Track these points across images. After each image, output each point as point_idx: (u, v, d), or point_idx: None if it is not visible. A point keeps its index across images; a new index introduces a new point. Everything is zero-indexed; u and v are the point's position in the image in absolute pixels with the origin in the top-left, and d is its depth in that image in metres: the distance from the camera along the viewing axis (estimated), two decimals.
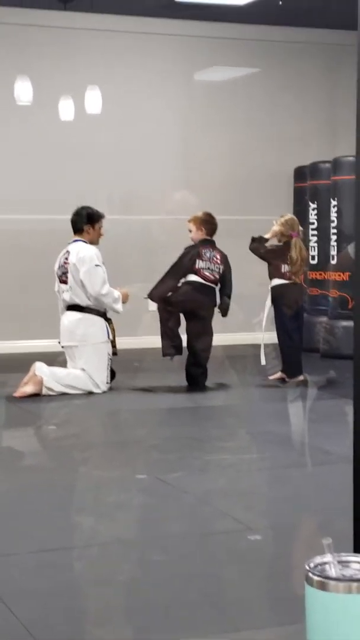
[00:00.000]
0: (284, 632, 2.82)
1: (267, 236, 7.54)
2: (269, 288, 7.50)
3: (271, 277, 7.51)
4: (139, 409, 6.59)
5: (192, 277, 7.29)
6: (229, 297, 7.41)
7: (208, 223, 7.43)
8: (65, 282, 7.18)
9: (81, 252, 7.12)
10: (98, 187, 9.48)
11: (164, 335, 7.27)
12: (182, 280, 7.32)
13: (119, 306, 7.14)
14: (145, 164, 9.82)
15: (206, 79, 10.29)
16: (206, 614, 3.03)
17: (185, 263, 7.30)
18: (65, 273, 7.18)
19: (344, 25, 8.26)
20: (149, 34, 9.84)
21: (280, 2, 8.96)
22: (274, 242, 7.62)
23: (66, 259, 7.19)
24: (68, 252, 7.22)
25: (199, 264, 7.28)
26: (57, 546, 3.68)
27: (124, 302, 7.19)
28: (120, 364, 7.44)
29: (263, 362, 7.43)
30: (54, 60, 9.56)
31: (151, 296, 7.29)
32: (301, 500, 4.39)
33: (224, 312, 7.41)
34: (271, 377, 7.52)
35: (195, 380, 7.28)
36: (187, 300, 7.28)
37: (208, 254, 7.33)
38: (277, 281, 7.48)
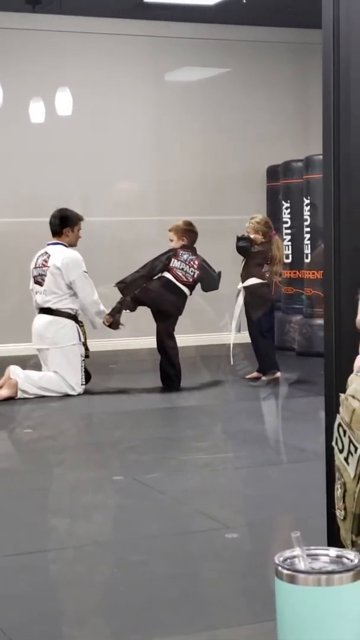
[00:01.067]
0: (262, 629, 2.81)
1: (252, 236, 7.54)
2: (241, 288, 7.50)
3: (248, 276, 7.50)
4: (114, 411, 6.59)
5: (165, 275, 7.31)
6: (215, 284, 7.45)
7: (190, 232, 7.43)
8: (39, 283, 7.15)
9: (67, 257, 7.07)
10: (70, 189, 9.45)
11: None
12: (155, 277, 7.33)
13: (99, 320, 7.14)
14: (117, 166, 9.81)
15: (177, 80, 10.30)
16: (184, 612, 3.03)
17: (161, 259, 7.31)
18: (41, 275, 7.14)
19: (313, 24, 8.29)
20: (119, 35, 9.83)
21: (245, 1, 8.95)
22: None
23: (45, 261, 7.15)
24: (47, 254, 7.16)
25: (174, 262, 7.29)
26: (33, 549, 3.67)
27: (106, 323, 7.16)
28: (95, 366, 7.43)
29: (232, 362, 7.45)
30: (23, 63, 9.53)
31: (123, 289, 7.25)
32: (277, 497, 4.41)
33: (216, 284, 7.43)
34: (247, 377, 7.53)
35: (171, 379, 7.28)
36: (156, 297, 7.27)
37: (185, 256, 7.34)
38: (253, 280, 7.48)
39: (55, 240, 7.22)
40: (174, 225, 7.49)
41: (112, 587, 3.27)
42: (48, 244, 7.24)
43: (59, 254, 7.10)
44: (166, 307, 7.33)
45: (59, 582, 3.38)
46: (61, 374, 6.98)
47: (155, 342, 7.37)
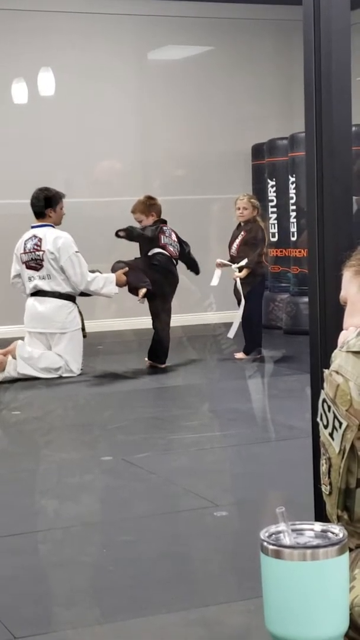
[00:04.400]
0: (252, 606, 2.84)
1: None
2: (237, 267, 7.44)
3: (244, 256, 7.46)
4: (102, 392, 6.59)
5: (162, 251, 7.22)
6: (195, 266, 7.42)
7: (156, 206, 7.33)
8: (34, 268, 7.06)
9: (59, 240, 6.98)
10: (53, 170, 9.41)
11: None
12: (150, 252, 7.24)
13: (109, 289, 7.04)
14: (100, 146, 9.76)
15: (160, 58, 10.24)
16: (174, 591, 3.05)
17: (150, 234, 7.18)
18: (35, 259, 7.05)
19: (297, 1, 8.25)
20: (101, 14, 9.76)
21: None
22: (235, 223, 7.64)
23: (37, 245, 7.04)
24: (38, 237, 7.05)
25: (163, 239, 7.25)
26: (22, 530, 3.67)
27: (120, 285, 7.07)
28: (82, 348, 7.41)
29: (231, 335, 7.39)
30: (4, 44, 9.46)
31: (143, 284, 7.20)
32: (265, 475, 4.42)
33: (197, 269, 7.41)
34: (239, 357, 7.50)
35: (158, 356, 7.24)
36: (165, 274, 7.21)
37: (167, 232, 7.31)
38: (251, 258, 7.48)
39: (40, 222, 7.14)
40: (138, 203, 7.33)
41: (101, 567, 3.27)
42: (33, 227, 7.15)
43: (51, 238, 7.00)
44: (171, 282, 7.28)
45: (48, 563, 3.38)
46: (65, 357, 6.96)
47: (151, 319, 7.31)
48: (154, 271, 7.17)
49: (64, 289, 7.02)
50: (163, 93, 10.12)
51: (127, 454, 4.76)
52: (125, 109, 9.95)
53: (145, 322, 7.49)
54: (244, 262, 7.42)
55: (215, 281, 7.36)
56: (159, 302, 7.28)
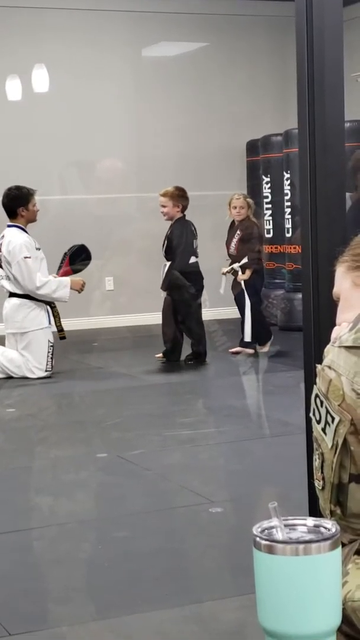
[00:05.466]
0: (246, 601, 2.84)
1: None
2: (239, 267, 7.49)
3: (243, 255, 7.51)
4: (97, 389, 6.59)
5: (194, 259, 7.22)
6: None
7: (184, 199, 7.27)
8: (2, 267, 7.05)
9: (10, 244, 6.86)
10: (48, 167, 9.40)
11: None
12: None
13: (61, 293, 6.88)
14: (95, 143, 9.75)
15: (154, 55, 10.23)
16: (169, 587, 3.05)
17: (191, 241, 7.19)
18: (2, 260, 7.02)
19: None
20: (96, 11, 9.75)
21: None
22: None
23: (1, 244, 6.99)
24: (4, 236, 6.98)
25: (195, 243, 7.24)
26: (17, 527, 3.68)
27: (76, 289, 6.94)
28: (76, 345, 7.41)
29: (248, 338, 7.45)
30: None
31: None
32: (261, 471, 4.43)
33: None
34: (264, 349, 7.56)
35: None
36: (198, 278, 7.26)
37: (195, 230, 7.30)
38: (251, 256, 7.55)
39: (10, 223, 7.01)
40: (167, 190, 7.26)
41: (96, 564, 3.28)
42: (7, 226, 7.06)
43: (6, 241, 6.90)
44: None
45: (43, 560, 3.38)
46: (26, 356, 6.90)
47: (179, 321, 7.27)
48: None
49: (22, 289, 6.95)
50: (157, 89, 10.11)
51: (122, 450, 4.76)
52: (119, 105, 9.93)
53: (139, 319, 7.48)
54: (244, 261, 7.49)
55: (223, 289, 7.47)
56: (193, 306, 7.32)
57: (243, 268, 7.50)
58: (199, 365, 7.15)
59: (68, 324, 7.28)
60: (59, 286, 6.88)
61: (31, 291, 6.87)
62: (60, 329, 7.00)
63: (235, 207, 7.58)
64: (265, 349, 7.56)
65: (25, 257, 6.83)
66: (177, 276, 7.11)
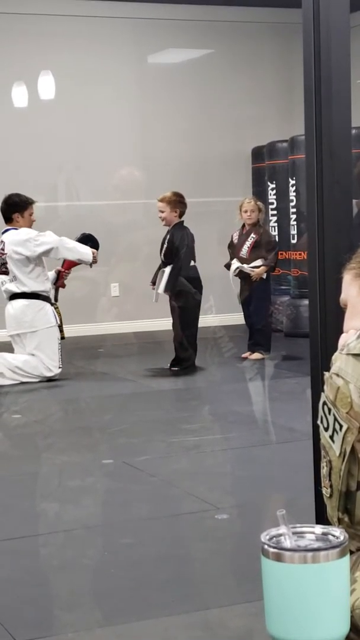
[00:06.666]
0: (253, 608, 2.84)
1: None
2: (250, 268, 7.53)
3: (256, 259, 7.54)
4: (103, 395, 6.59)
5: (193, 263, 7.22)
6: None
7: (183, 205, 7.28)
8: (4, 272, 7.07)
9: (15, 237, 6.95)
10: (54, 174, 9.42)
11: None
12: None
13: (84, 250, 6.95)
14: (101, 149, 9.77)
15: (160, 62, 10.25)
16: (175, 594, 3.05)
17: (192, 245, 7.19)
18: (3, 264, 7.07)
19: (296, 4, 8.26)
20: (101, 18, 9.77)
21: None
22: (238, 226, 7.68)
23: (2, 249, 7.03)
24: (2, 242, 7.04)
25: (194, 247, 7.25)
26: (23, 534, 3.68)
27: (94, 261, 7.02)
28: (82, 350, 7.41)
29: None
30: (5, 47, 9.46)
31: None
32: (266, 478, 4.42)
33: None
34: (251, 357, 7.54)
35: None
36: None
37: (192, 235, 7.29)
38: (260, 262, 7.56)
39: (7, 227, 7.10)
40: (164, 196, 7.28)
41: (102, 570, 3.27)
42: (3, 232, 7.15)
43: (11, 239, 6.97)
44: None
45: (49, 566, 3.38)
46: (39, 356, 6.94)
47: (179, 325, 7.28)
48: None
49: (30, 288, 7.00)
50: (163, 96, 10.12)
51: (128, 456, 4.75)
52: (125, 112, 9.95)
53: (145, 325, 7.47)
54: (258, 262, 7.51)
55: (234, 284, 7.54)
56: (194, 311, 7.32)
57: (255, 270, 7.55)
58: (184, 372, 7.14)
59: (74, 330, 7.29)
60: (78, 245, 6.96)
61: (60, 245, 6.87)
62: (60, 329, 7.06)
63: (247, 211, 7.62)
64: (256, 357, 7.53)
65: (38, 233, 6.92)
66: (183, 282, 7.11)
